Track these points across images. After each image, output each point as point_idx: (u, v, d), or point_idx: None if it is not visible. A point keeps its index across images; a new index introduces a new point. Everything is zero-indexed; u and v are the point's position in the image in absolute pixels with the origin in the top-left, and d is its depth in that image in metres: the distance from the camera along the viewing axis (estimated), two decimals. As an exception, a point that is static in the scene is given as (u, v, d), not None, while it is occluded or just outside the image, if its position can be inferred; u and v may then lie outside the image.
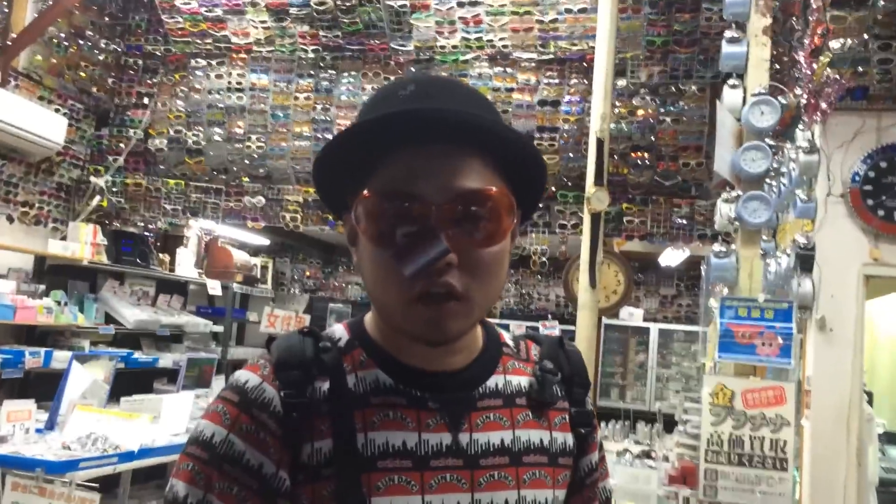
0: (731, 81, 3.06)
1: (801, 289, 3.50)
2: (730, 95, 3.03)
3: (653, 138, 5.14)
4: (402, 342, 0.82)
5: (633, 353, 8.12)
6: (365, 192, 0.78)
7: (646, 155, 5.16)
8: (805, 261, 3.51)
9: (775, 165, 3.21)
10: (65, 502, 2.55)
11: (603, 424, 5.41)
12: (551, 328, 7.54)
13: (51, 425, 3.12)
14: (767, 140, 3.02)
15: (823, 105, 3.30)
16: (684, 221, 5.15)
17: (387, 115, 0.76)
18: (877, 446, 4.26)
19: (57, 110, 5.31)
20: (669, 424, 5.22)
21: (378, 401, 0.81)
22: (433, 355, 0.82)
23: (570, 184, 5.30)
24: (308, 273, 9.45)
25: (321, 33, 5.36)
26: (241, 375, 0.81)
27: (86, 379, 3.29)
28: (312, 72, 5.55)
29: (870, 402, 4.23)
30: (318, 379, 0.80)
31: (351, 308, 9.50)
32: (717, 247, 3.06)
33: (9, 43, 4.87)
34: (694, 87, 5.09)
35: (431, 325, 0.76)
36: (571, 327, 8.54)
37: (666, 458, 3.93)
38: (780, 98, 3.04)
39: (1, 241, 4.81)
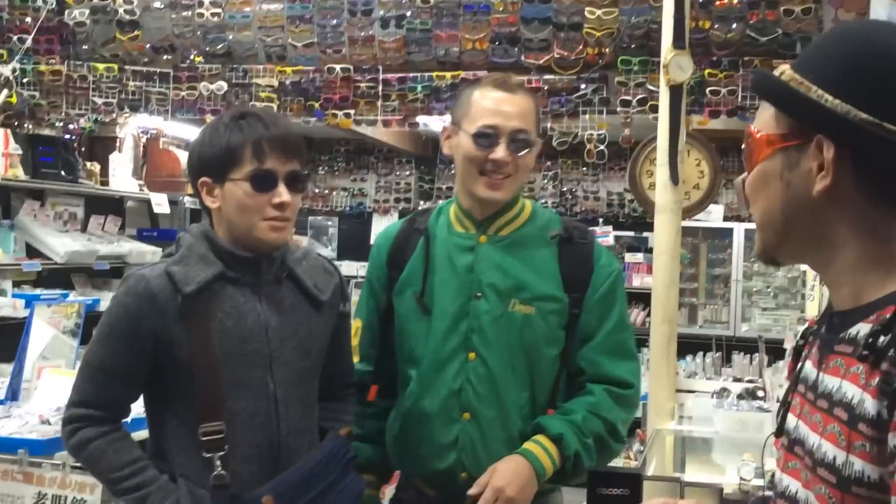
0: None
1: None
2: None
3: (744, -21, 5.12)
4: None
5: (706, 261, 8.30)
6: None
7: (735, 2, 5.14)
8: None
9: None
10: (59, 489, 2.74)
11: (690, 358, 5.51)
12: (603, 236, 7.65)
13: (13, 395, 3.30)
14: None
15: None
16: (786, 88, 5.19)
17: None
18: None
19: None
20: (773, 352, 5.39)
21: None
22: None
23: (633, 46, 5.29)
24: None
25: None
26: None
27: (45, 334, 3.46)
28: None
29: None
30: None
31: (337, 221, 9.58)
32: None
33: None
34: None
35: None
36: (627, 233, 8.80)
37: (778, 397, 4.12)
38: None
39: None
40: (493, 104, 2.34)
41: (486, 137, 2.32)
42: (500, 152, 2.31)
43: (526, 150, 2.36)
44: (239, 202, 2.14)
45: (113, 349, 2.17)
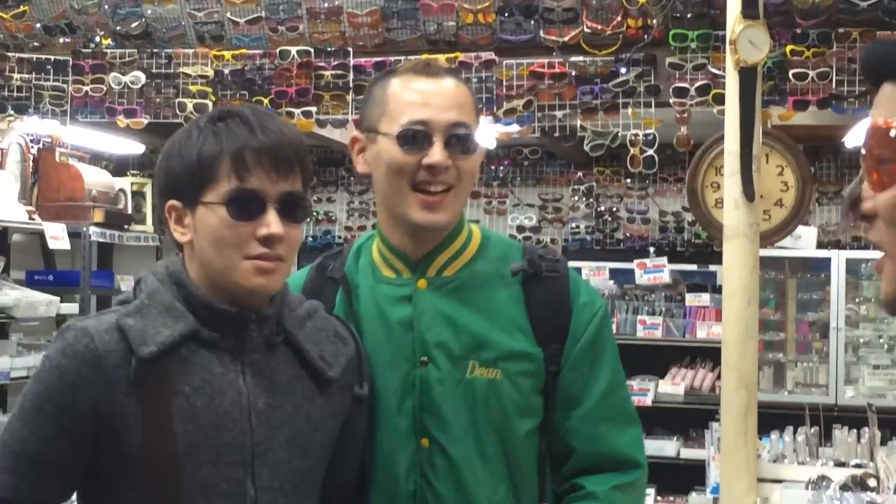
0: None
1: None
2: None
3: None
4: None
5: (796, 304, 8.11)
6: None
7: (826, -44, 5.05)
8: None
9: None
10: None
11: (775, 436, 5.49)
12: (657, 270, 7.43)
13: None
14: None
15: None
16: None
17: None
18: None
19: None
20: (888, 424, 5.29)
21: None
22: None
23: (689, 15, 5.18)
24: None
25: None
26: None
27: None
28: None
29: None
30: None
31: (296, 257, 9.49)
32: None
33: None
34: None
35: None
36: (687, 266, 8.61)
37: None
38: None
39: None
40: (418, 95, 2.32)
41: (414, 138, 2.28)
42: (436, 154, 2.27)
43: (472, 151, 2.34)
44: (213, 233, 2.09)
45: (39, 429, 2.07)
